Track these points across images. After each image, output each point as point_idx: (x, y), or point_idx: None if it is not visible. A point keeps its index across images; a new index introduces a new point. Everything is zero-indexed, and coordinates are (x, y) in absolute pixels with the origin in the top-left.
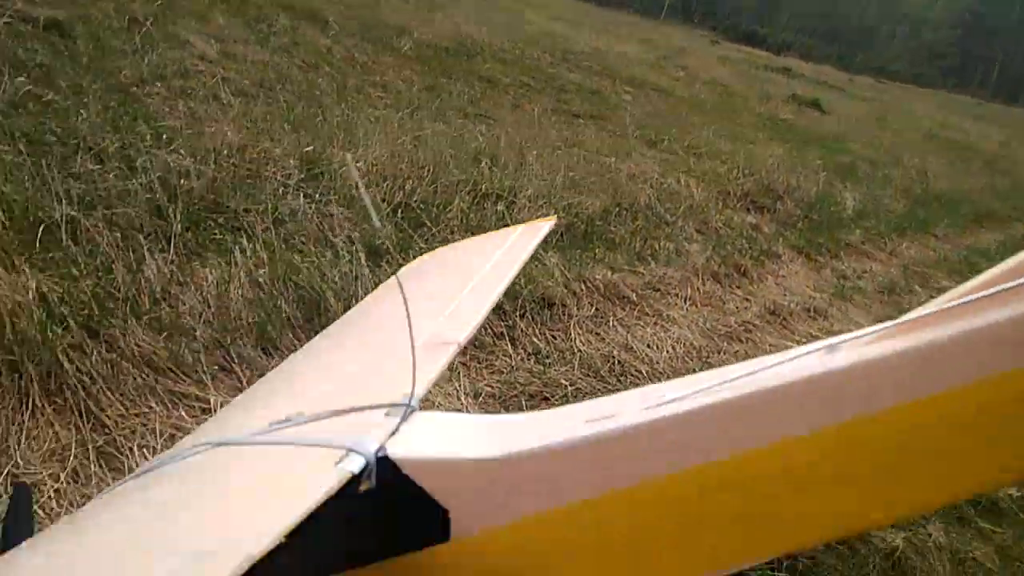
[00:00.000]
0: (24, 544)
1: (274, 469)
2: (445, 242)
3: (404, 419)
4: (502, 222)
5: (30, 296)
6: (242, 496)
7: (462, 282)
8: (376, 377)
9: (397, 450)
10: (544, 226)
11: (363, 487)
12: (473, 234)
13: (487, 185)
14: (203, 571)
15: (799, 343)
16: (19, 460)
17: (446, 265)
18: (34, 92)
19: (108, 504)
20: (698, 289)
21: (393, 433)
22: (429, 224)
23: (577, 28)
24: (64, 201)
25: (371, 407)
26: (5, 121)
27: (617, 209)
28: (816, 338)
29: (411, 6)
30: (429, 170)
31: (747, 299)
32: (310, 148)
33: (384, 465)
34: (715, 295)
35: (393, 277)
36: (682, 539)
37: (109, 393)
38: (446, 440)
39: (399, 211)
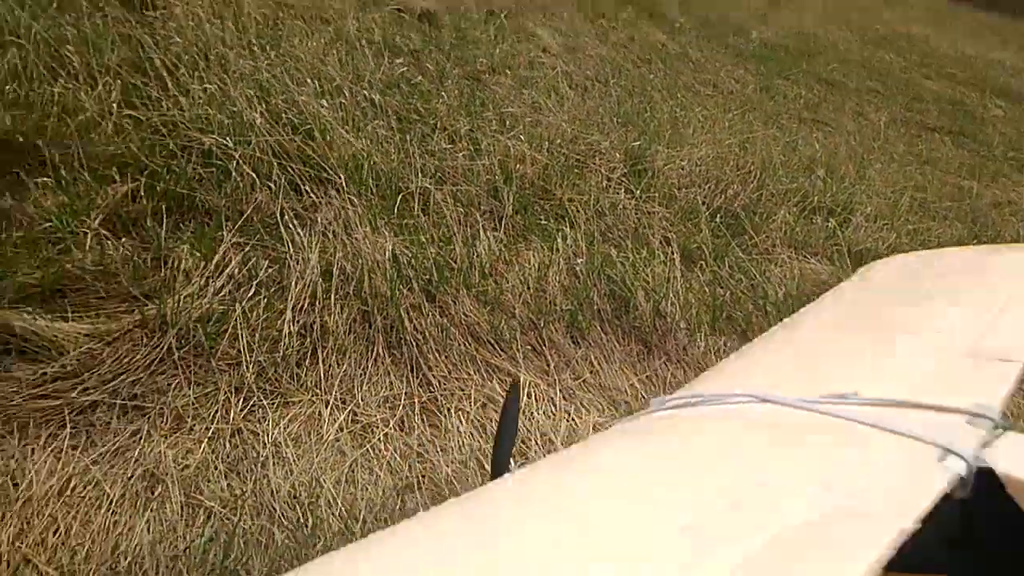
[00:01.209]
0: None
1: (847, 445)
2: (765, 254)
3: (994, 433)
4: (831, 240)
5: (386, 256)
6: (814, 466)
7: (988, 295)
8: (930, 375)
9: (998, 463)
10: None
11: (955, 494)
12: (797, 250)
13: (819, 197)
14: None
15: None
16: (360, 401)
17: (946, 273)
18: (406, 75)
19: (637, 434)
20: None
21: (986, 444)
22: (751, 232)
23: (941, 29)
24: (420, 174)
25: (943, 408)
26: (382, 99)
27: (975, 241)
28: None
29: (753, 2)
30: (756, 176)
31: None
32: (637, 144)
33: (983, 477)
34: None
35: (887, 268)
36: None
37: (437, 354)
38: None
39: (718, 215)
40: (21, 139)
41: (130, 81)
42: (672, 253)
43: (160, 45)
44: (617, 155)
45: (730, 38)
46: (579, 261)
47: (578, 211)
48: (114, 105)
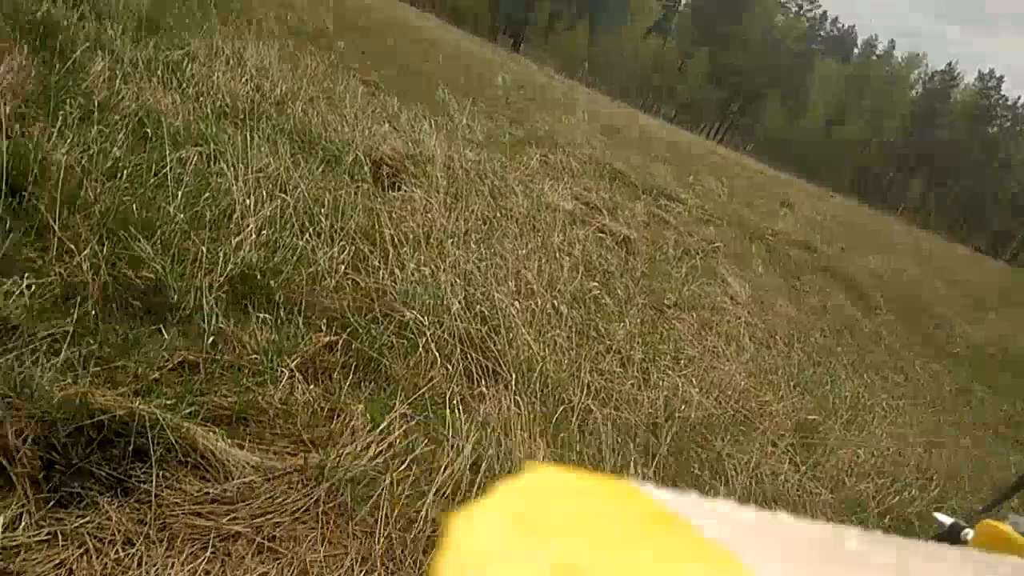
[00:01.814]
0: None
1: None
2: None
3: None
4: None
5: None
6: None
7: None
8: None
9: None
10: None
11: None
12: None
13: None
14: None
15: None
16: None
17: None
18: (595, 293)
19: None
20: None
21: None
22: None
23: None
24: (586, 391)
25: None
26: (568, 311)
27: None
28: None
29: (959, 300)
30: (938, 485)
31: None
32: (813, 417)
33: None
34: None
35: None
36: None
37: None
38: None
39: (888, 516)
40: (259, 277)
41: (360, 247)
42: None
43: (393, 221)
44: (788, 422)
45: (931, 330)
46: None
47: (736, 470)
48: (342, 265)
